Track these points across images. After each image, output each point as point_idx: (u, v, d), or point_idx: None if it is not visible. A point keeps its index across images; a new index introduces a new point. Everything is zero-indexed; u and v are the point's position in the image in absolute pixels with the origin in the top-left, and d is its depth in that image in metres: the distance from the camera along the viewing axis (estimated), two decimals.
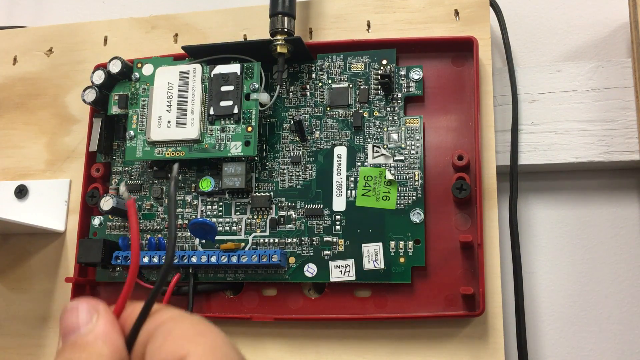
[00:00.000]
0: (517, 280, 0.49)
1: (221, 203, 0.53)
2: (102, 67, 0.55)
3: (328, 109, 0.53)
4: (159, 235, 0.53)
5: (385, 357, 0.49)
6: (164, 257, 0.50)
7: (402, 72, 0.52)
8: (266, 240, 0.51)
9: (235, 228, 0.52)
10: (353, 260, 0.49)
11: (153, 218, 0.54)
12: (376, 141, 0.51)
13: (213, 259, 0.49)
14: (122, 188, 0.54)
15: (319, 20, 0.57)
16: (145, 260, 0.50)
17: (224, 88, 0.52)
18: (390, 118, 0.51)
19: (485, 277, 0.47)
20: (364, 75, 0.53)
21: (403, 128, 0.51)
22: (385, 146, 0.51)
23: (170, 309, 0.28)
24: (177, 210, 0.53)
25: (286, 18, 0.52)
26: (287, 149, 0.53)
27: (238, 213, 0.52)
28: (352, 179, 0.51)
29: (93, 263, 0.52)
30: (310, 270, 0.50)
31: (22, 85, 0.63)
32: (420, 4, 0.55)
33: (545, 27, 0.58)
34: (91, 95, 0.54)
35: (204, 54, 0.53)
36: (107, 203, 0.51)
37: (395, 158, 0.50)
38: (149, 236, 0.53)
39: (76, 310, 0.27)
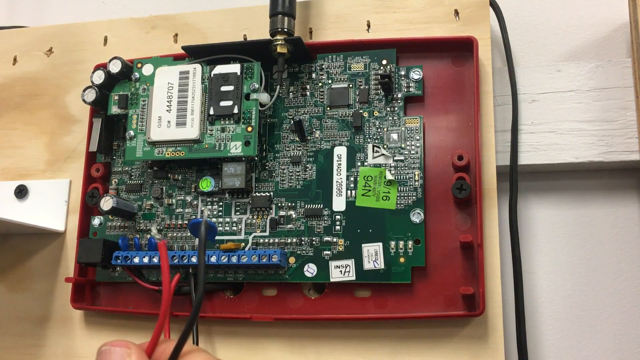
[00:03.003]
0: (517, 280, 0.49)
1: (221, 203, 0.53)
2: (102, 67, 0.55)
3: (328, 109, 0.53)
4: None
5: (385, 357, 0.49)
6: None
7: (402, 72, 0.52)
8: (266, 240, 0.51)
9: (235, 228, 0.52)
10: (353, 260, 0.49)
11: (153, 218, 0.54)
12: (376, 141, 0.51)
13: (213, 259, 0.49)
14: (154, 230, 0.54)
15: (319, 20, 0.57)
16: (145, 260, 0.50)
17: (224, 88, 0.52)
18: (390, 118, 0.51)
19: (485, 277, 0.47)
20: (364, 75, 0.53)
21: (403, 128, 0.51)
22: (385, 146, 0.51)
23: (201, 352, 0.30)
24: (177, 211, 0.53)
25: (286, 18, 0.52)
26: (287, 149, 0.53)
27: (238, 213, 0.52)
28: (352, 179, 0.51)
29: (93, 263, 0.52)
30: (310, 270, 0.50)
31: (22, 85, 0.63)
32: (420, 4, 0.55)
33: (545, 27, 0.58)
34: (91, 95, 0.54)
35: (204, 54, 0.53)
36: (107, 203, 0.51)
37: (395, 158, 0.50)
38: (149, 236, 0.53)
39: (109, 354, 0.29)
